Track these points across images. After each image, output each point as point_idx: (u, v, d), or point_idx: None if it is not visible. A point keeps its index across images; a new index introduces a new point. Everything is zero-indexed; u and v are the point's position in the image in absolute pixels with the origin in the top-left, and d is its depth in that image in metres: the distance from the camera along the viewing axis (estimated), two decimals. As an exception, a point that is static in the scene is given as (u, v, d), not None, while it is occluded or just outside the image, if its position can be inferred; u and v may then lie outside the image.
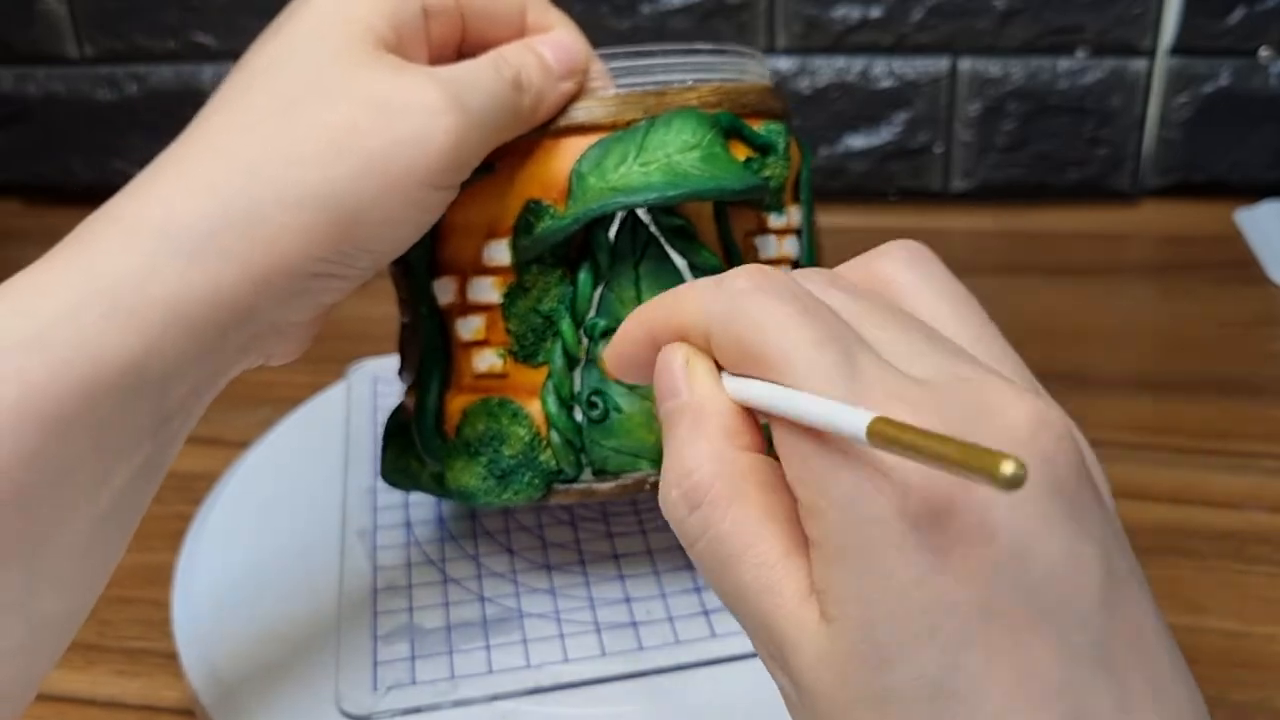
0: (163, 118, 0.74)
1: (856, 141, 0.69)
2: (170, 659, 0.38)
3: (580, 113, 0.34)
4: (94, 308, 0.25)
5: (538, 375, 0.35)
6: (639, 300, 0.34)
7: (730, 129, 0.34)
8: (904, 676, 0.19)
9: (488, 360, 0.35)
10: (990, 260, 0.67)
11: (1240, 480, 0.46)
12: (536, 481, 0.35)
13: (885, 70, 0.67)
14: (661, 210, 0.34)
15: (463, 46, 0.34)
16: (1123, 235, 0.69)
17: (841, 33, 0.67)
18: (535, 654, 0.36)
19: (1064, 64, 0.66)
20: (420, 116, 0.29)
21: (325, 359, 0.55)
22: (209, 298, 0.27)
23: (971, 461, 0.17)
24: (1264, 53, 0.65)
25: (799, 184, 0.38)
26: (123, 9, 0.71)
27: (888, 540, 0.20)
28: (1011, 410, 0.20)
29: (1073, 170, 0.69)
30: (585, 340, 0.34)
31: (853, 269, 0.25)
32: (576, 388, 0.35)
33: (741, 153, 0.35)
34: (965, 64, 0.67)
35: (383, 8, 0.30)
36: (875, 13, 0.66)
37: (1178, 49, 0.65)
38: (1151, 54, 0.66)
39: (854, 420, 0.19)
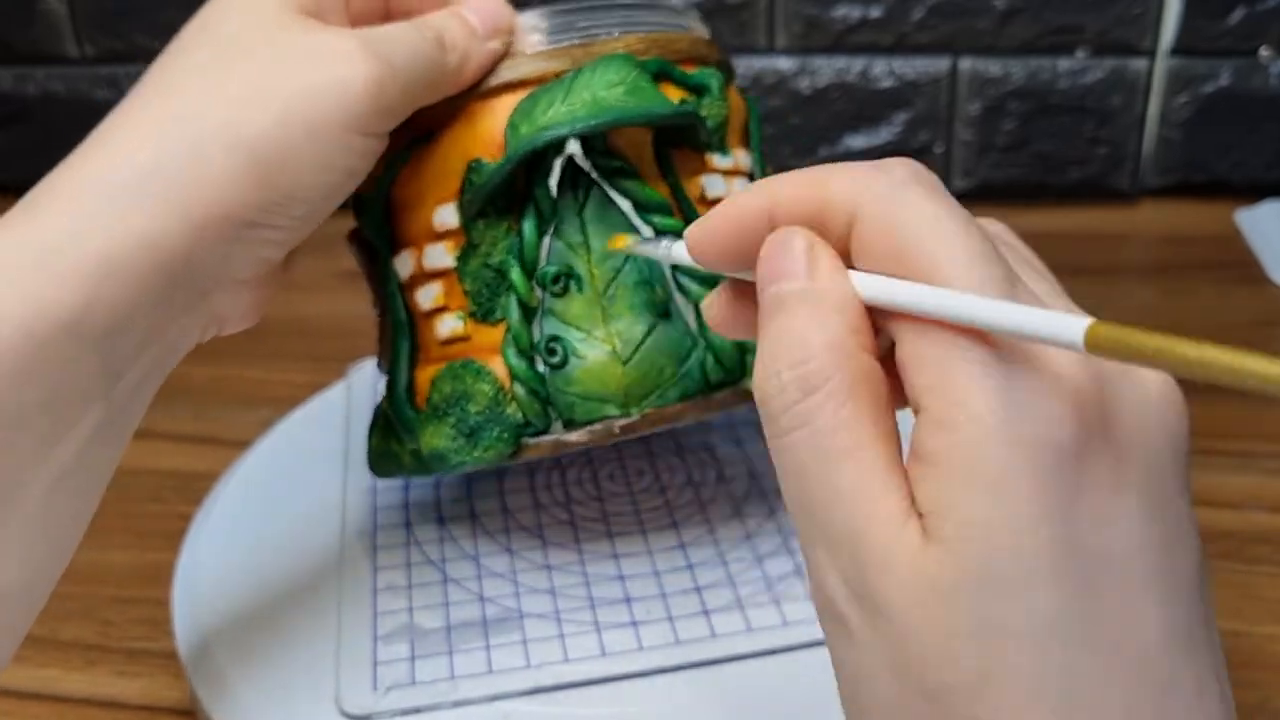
0: (163, 117, 0.74)
1: (857, 141, 0.69)
2: (171, 659, 0.38)
3: (508, 71, 0.35)
4: (31, 262, 0.26)
5: (497, 332, 0.35)
6: (587, 245, 0.34)
7: (660, 72, 0.35)
8: (1020, 613, 0.19)
9: (449, 325, 0.36)
10: (990, 260, 0.67)
11: (1240, 480, 0.46)
12: (505, 435, 0.35)
13: (885, 70, 0.68)
14: (599, 153, 0.34)
15: (389, 18, 0.35)
16: (1123, 235, 0.69)
17: (841, 32, 0.67)
18: (535, 654, 0.36)
19: (1064, 64, 0.66)
20: (339, 62, 0.30)
21: (325, 359, 0.55)
22: (145, 243, 0.27)
23: (1244, 366, 0.16)
24: (1264, 52, 0.65)
25: (748, 132, 0.38)
26: (122, 9, 0.71)
27: (1029, 467, 0.19)
28: (1144, 375, 0.21)
29: (1073, 170, 0.69)
30: (539, 290, 0.35)
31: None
32: (535, 338, 0.35)
33: (674, 94, 0.35)
34: (965, 64, 0.67)
35: None
36: (875, 12, 0.66)
37: (1178, 49, 0.65)
38: (1152, 54, 0.66)
39: (1069, 325, 0.18)
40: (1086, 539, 0.19)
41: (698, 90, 0.36)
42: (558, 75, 0.34)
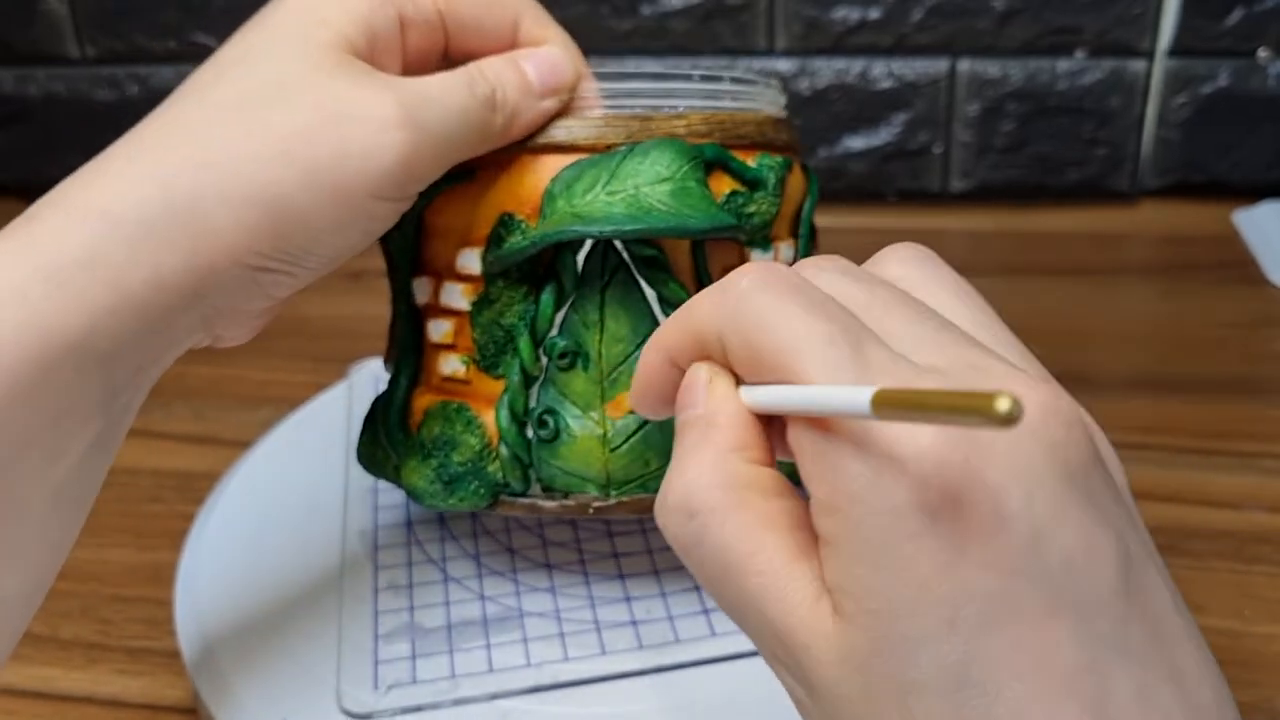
0: (163, 118, 0.74)
1: (856, 142, 0.70)
2: (172, 658, 0.38)
3: (561, 131, 0.34)
4: (40, 285, 0.26)
5: (497, 386, 0.35)
6: (602, 325, 0.34)
7: (715, 160, 0.34)
8: (927, 668, 0.20)
9: (452, 365, 0.36)
10: (989, 261, 0.67)
11: (1239, 480, 0.46)
12: (482, 491, 0.35)
13: (885, 71, 0.68)
14: (634, 239, 0.33)
15: (449, 55, 0.34)
16: (1121, 235, 0.69)
17: (841, 34, 0.67)
18: (536, 653, 0.36)
19: (1063, 65, 0.66)
20: (371, 129, 0.29)
21: (327, 359, 0.55)
22: (153, 281, 0.27)
23: (969, 405, 0.17)
24: (1262, 53, 0.65)
25: (799, 218, 0.37)
26: (123, 10, 0.71)
27: (905, 531, 0.20)
28: (1025, 398, 0.20)
29: (1072, 171, 0.69)
30: (544, 359, 0.34)
31: (864, 267, 0.25)
32: (531, 404, 0.35)
33: (725, 186, 0.34)
34: (964, 65, 0.67)
35: (356, 13, 0.31)
36: (874, 14, 0.66)
37: (1176, 50, 0.65)
38: (1150, 55, 0.66)
39: (858, 397, 0.19)
40: (975, 585, 0.19)
41: (752, 184, 0.35)
42: (609, 147, 0.33)
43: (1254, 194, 0.69)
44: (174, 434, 0.52)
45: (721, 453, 0.23)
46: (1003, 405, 0.16)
